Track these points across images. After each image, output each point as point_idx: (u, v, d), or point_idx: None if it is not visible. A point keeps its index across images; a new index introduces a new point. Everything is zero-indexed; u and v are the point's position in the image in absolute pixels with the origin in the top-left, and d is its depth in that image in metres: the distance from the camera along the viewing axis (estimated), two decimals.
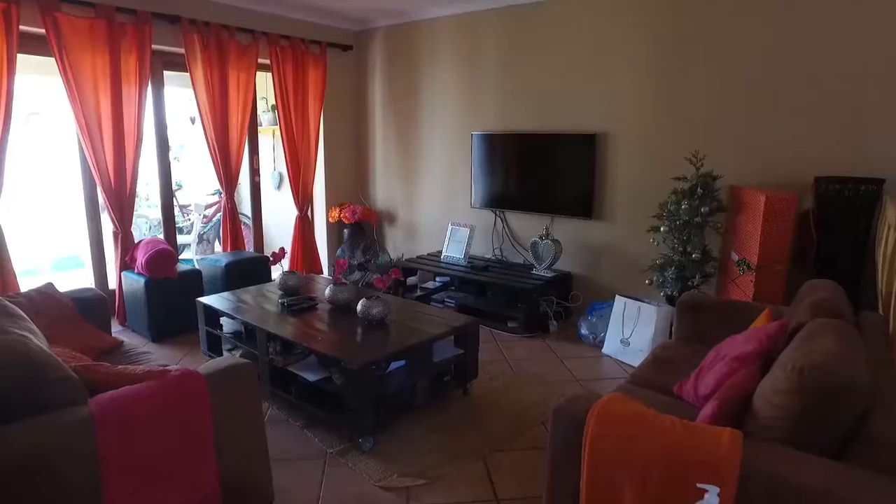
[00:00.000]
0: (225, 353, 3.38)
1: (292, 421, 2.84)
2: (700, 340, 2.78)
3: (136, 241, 4.16)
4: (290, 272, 3.52)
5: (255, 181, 5.30)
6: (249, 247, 5.77)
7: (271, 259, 3.53)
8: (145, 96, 4.09)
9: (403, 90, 5.32)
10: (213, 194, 6.84)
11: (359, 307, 2.93)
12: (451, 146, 5.07)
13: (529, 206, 4.58)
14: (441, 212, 5.25)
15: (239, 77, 4.64)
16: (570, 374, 3.48)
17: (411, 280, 5.00)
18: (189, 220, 6.57)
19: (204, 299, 3.35)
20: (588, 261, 4.42)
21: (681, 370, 2.47)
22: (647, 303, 3.63)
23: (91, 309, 2.86)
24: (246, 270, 4.38)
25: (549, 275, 4.33)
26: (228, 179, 4.70)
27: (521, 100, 4.56)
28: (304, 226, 5.30)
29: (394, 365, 2.79)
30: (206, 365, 1.94)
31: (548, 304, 4.23)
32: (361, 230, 5.66)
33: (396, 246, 5.69)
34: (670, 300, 3.76)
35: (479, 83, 4.79)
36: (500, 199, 4.75)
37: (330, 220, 5.59)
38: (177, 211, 6.60)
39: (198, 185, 7.18)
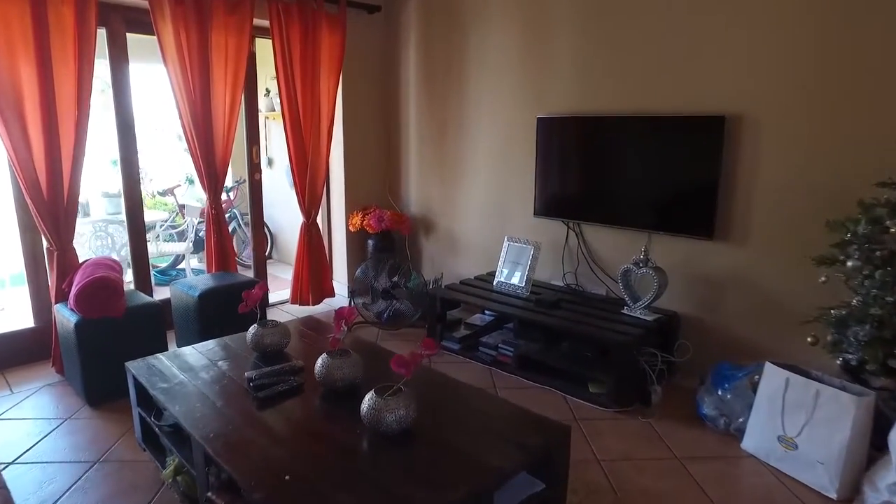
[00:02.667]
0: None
1: None
2: None
3: (81, 262, 3.06)
4: (269, 323, 2.33)
5: (256, 178, 4.15)
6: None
7: (243, 301, 2.34)
8: (91, 67, 2.97)
9: (445, 61, 4.08)
10: (231, 186, 5.75)
11: (364, 407, 1.71)
12: (508, 134, 3.80)
13: (617, 218, 3.28)
14: (493, 221, 3.99)
15: (227, 43, 3.47)
16: (705, 496, 2.19)
17: (452, 314, 3.77)
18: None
19: (134, 365, 2.19)
20: (704, 298, 3.09)
21: None
22: (830, 384, 2.29)
23: None
24: (229, 303, 3.22)
25: (648, 318, 3.03)
26: (212, 177, 3.55)
27: (608, 70, 3.25)
28: (312, 237, 4.12)
29: None
30: None
31: (647, 362, 2.93)
32: (390, 242, 4.46)
33: (434, 263, 4.46)
34: (854, 373, 2.42)
35: (548, 50, 3.50)
36: (574, 207, 3.46)
37: (350, 228, 4.40)
38: (174, 213, 5.57)
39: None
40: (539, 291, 3.47)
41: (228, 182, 5.77)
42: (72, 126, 2.94)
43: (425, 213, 4.47)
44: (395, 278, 3.95)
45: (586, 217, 3.42)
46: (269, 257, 6.15)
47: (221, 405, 1.89)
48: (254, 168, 4.10)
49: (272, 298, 4.39)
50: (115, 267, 2.98)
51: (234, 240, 5.83)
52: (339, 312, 2.11)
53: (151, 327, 2.94)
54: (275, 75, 3.75)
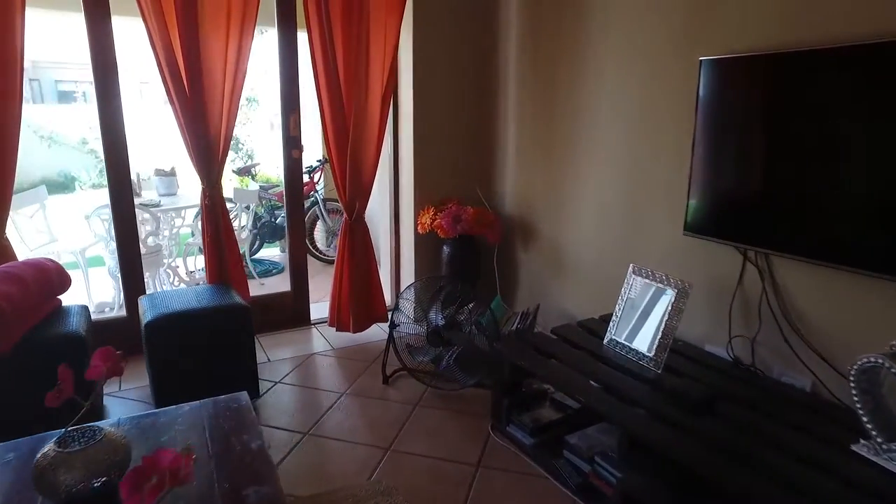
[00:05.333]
0: None
1: None
2: None
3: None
4: (89, 435, 1.21)
5: (294, 156, 3.11)
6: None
7: (58, 386, 1.25)
8: (20, 13, 2.11)
9: None
10: (314, 166, 4.84)
11: None
12: (648, 92, 2.28)
13: (851, 250, 1.64)
14: (617, 234, 2.51)
15: None
16: None
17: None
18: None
19: None
20: None
21: None
22: None
23: None
24: (199, 341, 2.23)
25: None
26: (203, 151, 2.56)
27: None
28: (356, 240, 2.98)
29: None
30: None
31: None
32: (473, 252, 3.18)
33: (532, 287, 3.09)
34: None
35: None
36: (761, 223, 1.87)
37: (419, 229, 3.19)
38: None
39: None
40: (679, 367, 1.96)
41: (312, 161, 4.91)
42: None
43: (524, 213, 3.10)
44: (464, 312, 2.65)
45: (784, 243, 1.81)
46: None
47: None
48: (291, 142, 3.06)
49: (316, 313, 3.34)
50: (33, 277, 2.09)
51: (317, 230, 4.98)
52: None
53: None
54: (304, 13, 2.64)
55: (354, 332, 3.04)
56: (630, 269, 2.16)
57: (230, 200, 4.38)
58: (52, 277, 2.21)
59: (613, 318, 2.18)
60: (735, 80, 1.91)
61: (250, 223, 4.08)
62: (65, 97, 11.34)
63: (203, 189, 2.59)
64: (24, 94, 2.31)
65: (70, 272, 2.30)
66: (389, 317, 2.69)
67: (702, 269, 2.12)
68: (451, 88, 3.17)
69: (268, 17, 2.94)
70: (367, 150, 2.87)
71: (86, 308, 2.33)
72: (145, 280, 3.76)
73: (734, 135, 1.92)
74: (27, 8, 2.20)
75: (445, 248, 3.20)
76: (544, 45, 2.78)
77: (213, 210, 2.60)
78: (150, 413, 1.52)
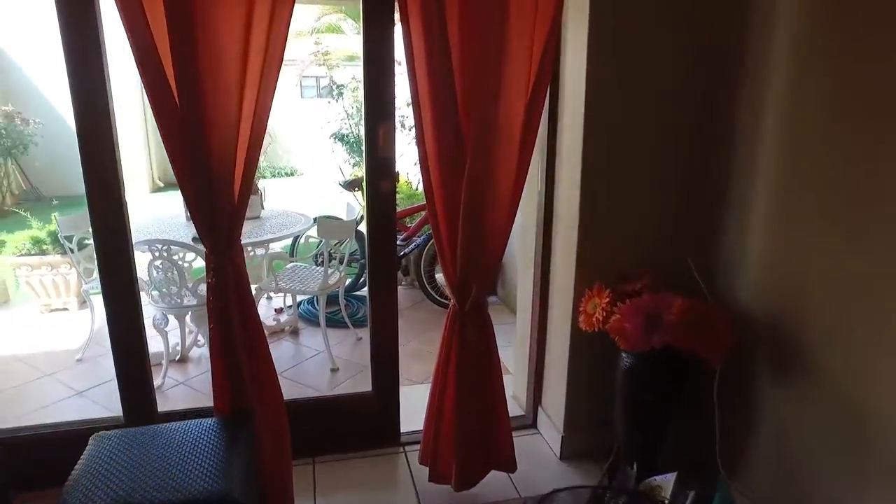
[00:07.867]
0: None
1: None
2: None
3: None
4: None
5: (383, 189, 1.93)
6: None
7: None
8: None
9: None
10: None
11: None
12: None
13: None
14: None
15: None
16: None
17: None
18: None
19: None
20: None
21: None
22: None
23: None
24: None
25: None
26: (204, 200, 1.46)
27: None
28: (467, 341, 1.72)
29: None
30: None
31: None
32: (680, 373, 1.80)
33: (785, 467, 1.65)
34: None
35: None
36: None
37: (581, 324, 1.86)
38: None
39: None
40: None
41: None
42: None
43: (781, 313, 1.65)
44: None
45: None
46: (492, 294, 4.00)
47: None
48: (379, 167, 1.89)
49: (408, 423, 2.18)
50: None
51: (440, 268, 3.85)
52: None
53: None
54: None
55: (458, 489, 1.83)
56: None
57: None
58: None
59: None
60: None
61: (347, 256, 3.02)
62: None
63: (207, 257, 1.50)
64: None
65: None
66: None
67: None
68: (646, 95, 1.80)
69: None
70: (495, 200, 1.61)
71: None
72: (198, 337, 2.91)
73: None
74: None
75: (625, 359, 1.86)
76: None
77: (222, 294, 1.51)
78: None
